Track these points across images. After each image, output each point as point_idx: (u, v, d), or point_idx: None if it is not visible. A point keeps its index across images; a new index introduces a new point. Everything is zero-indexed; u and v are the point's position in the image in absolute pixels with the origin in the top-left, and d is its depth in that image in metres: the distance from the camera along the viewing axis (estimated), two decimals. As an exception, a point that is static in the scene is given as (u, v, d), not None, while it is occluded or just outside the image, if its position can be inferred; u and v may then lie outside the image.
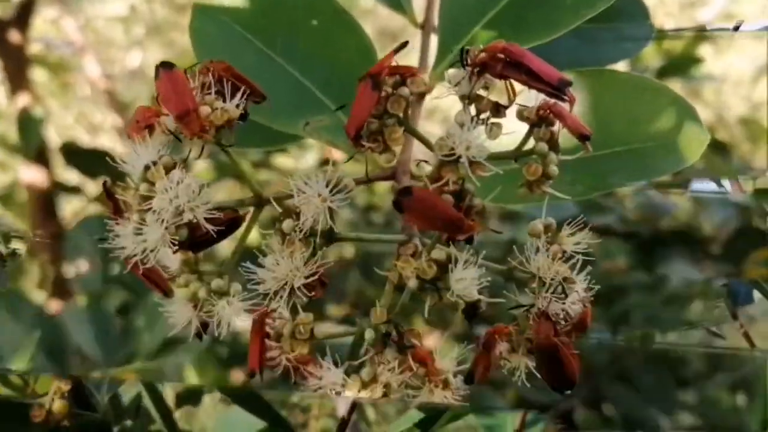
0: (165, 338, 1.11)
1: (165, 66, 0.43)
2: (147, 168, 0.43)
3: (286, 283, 0.41)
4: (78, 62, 2.74)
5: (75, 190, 1.88)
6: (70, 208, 2.21)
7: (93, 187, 1.96)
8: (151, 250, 0.41)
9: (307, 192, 0.40)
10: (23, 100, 1.81)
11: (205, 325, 0.46)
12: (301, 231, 0.41)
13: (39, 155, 1.81)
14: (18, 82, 1.83)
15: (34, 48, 2.13)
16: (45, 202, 1.82)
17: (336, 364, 0.45)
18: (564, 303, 0.42)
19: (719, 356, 2.17)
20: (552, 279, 0.42)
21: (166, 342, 1.11)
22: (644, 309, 1.91)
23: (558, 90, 0.40)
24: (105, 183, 0.44)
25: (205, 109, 0.43)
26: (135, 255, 0.43)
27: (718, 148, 2.07)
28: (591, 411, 1.63)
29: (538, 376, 0.45)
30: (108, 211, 0.45)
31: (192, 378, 1.20)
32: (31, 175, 1.81)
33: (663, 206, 1.93)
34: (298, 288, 0.41)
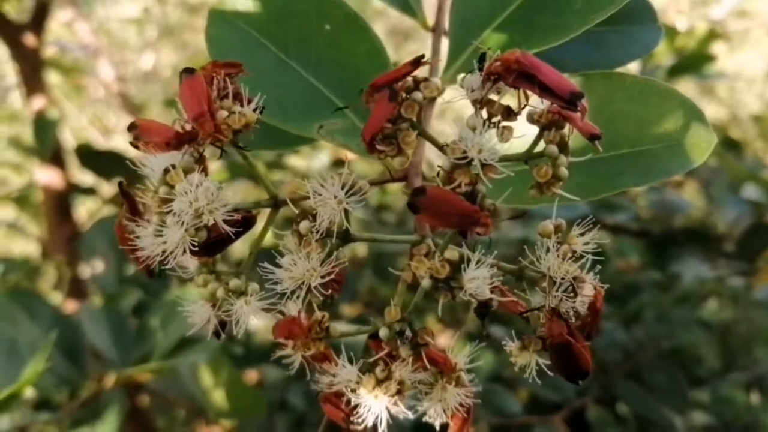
0: (180, 338, 1.12)
1: (187, 72, 0.44)
2: (166, 171, 0.44)
3: (303, 283, 0.42)
4: (91, 65, 2.76)
5: (90, 191, 1.89)
6: (85, 210, 2.23)
7: (108, 188, 1.98)
8: (171, 252, 0.42)
9: (323, 194, 0.41)
10: (38, 102, 1.82)
11: (223, 324, 0.47)
12: (317, 232, 0.42)
13: (54, 157, 1.82)
14: (33, 84, 1.85)
15: (48, 51, 2.15)
16: (61, 203, 1.84)
17: (351, 362, 0.47)
18: (574, 301, 0.42)
19: (733, 354, 2.17)
20: (562, 278, 0.43)
21: (181, 341, 1.12)
22: (656, 307, 1.91)
23: (570, 103, 0.41)
24: (120, 183, 0.45)
25: (222, 113, 0.44)
26: (154, 256, 0.43)
27: (731, 146, 2.06)
28: (604, 409, 1.63)
29: (549, 373, 0.46)
30: (123, 212, 0.46)
31: (206, 377, 1.21)
32: (47, 176, 1.83)
33: (676, 204, 1.93)
34: (315, 287, 0.42)
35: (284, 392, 1.46)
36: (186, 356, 1.05)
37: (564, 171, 0.42)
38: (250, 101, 0.45)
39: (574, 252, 0.43)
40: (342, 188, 0.41)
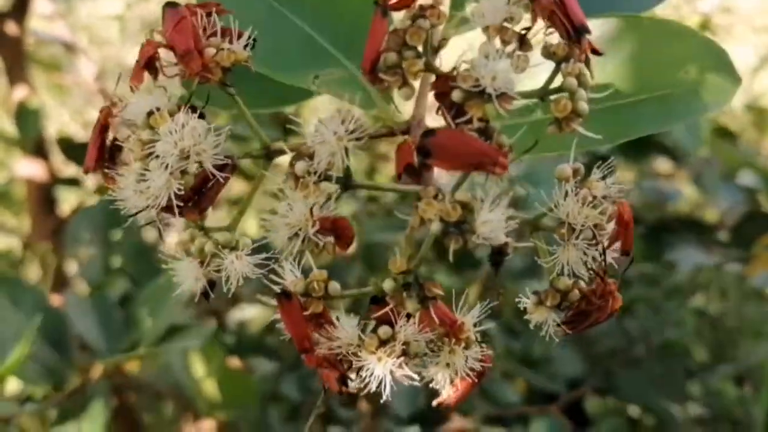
0: (170, 325, 1.08)
1: (170, 5, 0.41)
2: (150, 114, 0.40)
3: (300, 229, 0.39)
4: (71, 61, 2.70)
5: (74, 182, 1.84)
6: (67, 205, 2.18)
7: (92, 181, 1.93)
8: (155, 199, 0.38)
9: (322, 131, 0.37)
10: (21, 92, 1.78)
11: (212, 283, 0.43)
12: (315, 173, 0.38)
13: (37, 148, 1.78)
14: (16, 74, 1.81)
15: (29, 40, 2.09)
16: (44, 195, 1.79)
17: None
18: (596, 250, 0.39)
19: (723, 346, 2.15)
20: (582, 225, 0.39)
21: (171, 329, 1.08)
22: (647, 301, 1.88)
23: (577, 32, 0.38)
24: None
25: (210, 51, 0.41)
26: (139, 207, 0.40)
27: (724, 134, 2.04)
28: (602, 398, 1.60)
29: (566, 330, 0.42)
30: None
31: (198, 366, 1.17)
32: (30, 168, 1.78)
33: (668, 193, 1.90)
34: (313, 235, 0.38)
35: (276, 384, 1.42)
36: (177, 342, 1.01)
37: (584, 105, 0.39)
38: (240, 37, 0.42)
39: (594, 197, 0.40)
40: (342, 124, 0.37)
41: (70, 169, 2.04)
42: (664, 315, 1.89)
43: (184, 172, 0.39)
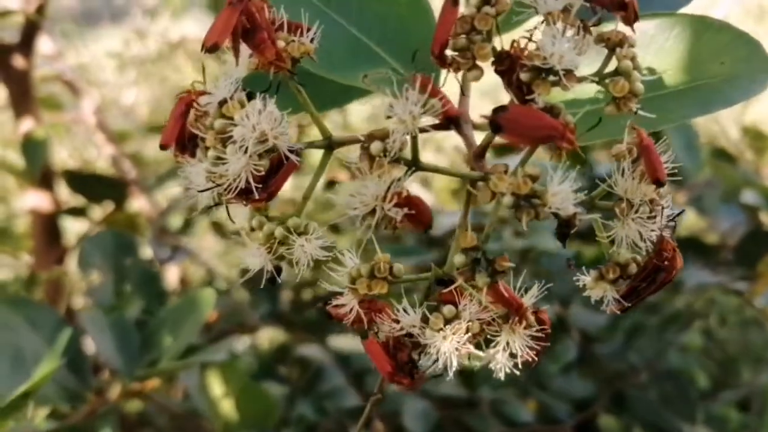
0: (188, 345, 1.09)
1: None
2: (222, 103, 0.42)
3: (375, 208, 0.40)
4: (70, 99, 2.72)
5: (79, 211, 1.85)
6: (73, 235, 2.17)
7: (97, 211, 1.94)
8: (233, 182, 0.40)
9: (398, 111, 0.39)
10: (27, 124, 1.80)
11: (278, 270, 0.45)
12: (389, 153, 0.40)
13: (43, 179, 1.79)
14: (23, 106, 1.82)
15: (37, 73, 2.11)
16: (49, 226, 1.80)
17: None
18: (654, 223, 0.41)
19: (725, 372, 2.15)
20: (640, 201, 0.41)
21: (190, 349, 1.09)
22: (648, 328, 1.89)
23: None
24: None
25: (280, 43, 0.43)
26: (212, 192, 0.41)
27: (724, 156, 2.07)
28: (614, 418, 1.61)
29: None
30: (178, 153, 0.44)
31: (216, 385, 1.17)
32: (36, 199, 1.79)
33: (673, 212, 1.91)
34: (389, 210, 0.40)
35: (288, 409, 1.42)
36: (200, 356, 1.01)
37: (640, 86, 0.41)
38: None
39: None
40: (416, 105, 0.39)
41: (74, 200, 2.05)
42: (666, 341, 1.90)
43: (261, 156, 0.40)
